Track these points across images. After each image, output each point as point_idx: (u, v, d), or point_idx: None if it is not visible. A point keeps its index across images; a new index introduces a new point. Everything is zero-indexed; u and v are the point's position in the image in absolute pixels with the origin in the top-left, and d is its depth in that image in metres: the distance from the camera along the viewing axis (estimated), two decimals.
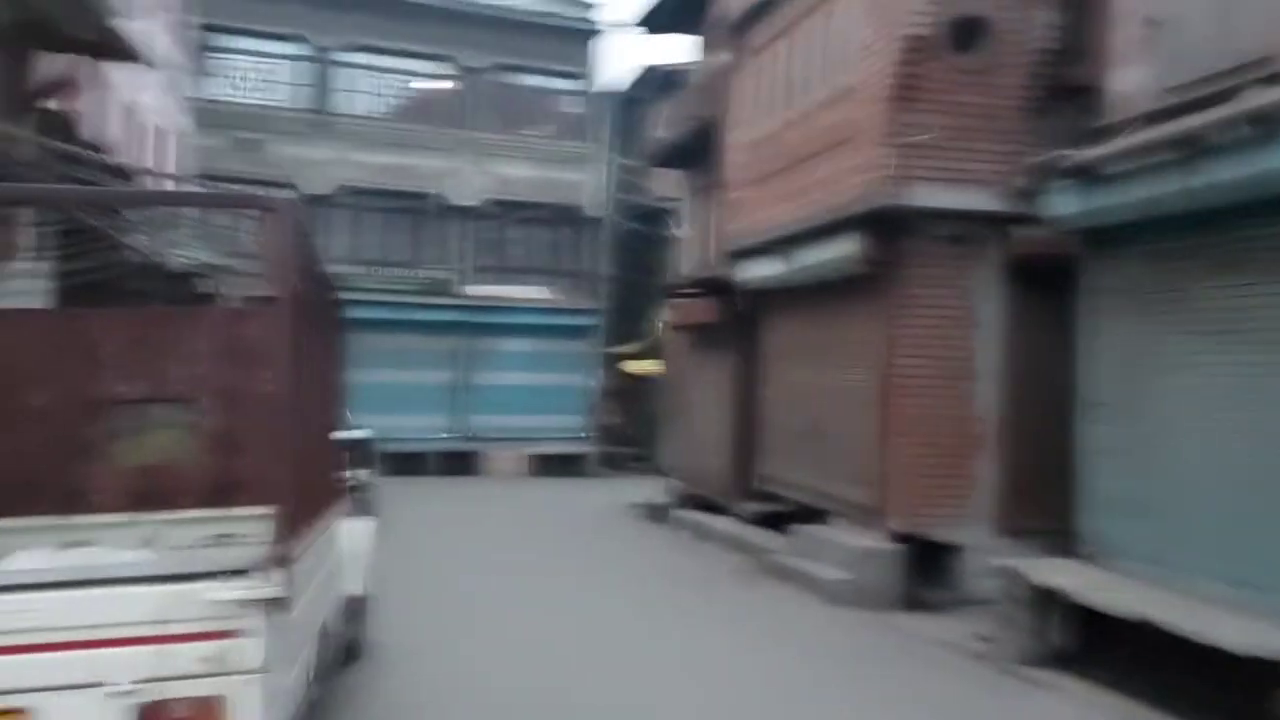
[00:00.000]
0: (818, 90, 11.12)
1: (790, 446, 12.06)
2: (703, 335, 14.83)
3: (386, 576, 10.22)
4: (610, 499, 17.83)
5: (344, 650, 6.28)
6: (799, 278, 11.31)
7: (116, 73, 14.82)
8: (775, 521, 12.40)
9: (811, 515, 11.40)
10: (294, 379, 3.83)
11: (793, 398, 12.06)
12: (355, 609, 6.52)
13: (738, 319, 13.32)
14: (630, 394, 27.88)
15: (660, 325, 18.52)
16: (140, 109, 16.35)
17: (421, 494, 18.06)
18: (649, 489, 17.55)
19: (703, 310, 14.02)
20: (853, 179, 9.94)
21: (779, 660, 7.67)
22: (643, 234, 24.16)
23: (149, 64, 11.21)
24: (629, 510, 16.39)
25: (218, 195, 14.59)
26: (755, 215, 12.41)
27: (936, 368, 9.65)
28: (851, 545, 9.63)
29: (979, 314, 9.73)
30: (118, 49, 9.46)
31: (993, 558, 8.29)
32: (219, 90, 21.29)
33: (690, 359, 15.41)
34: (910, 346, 9.67)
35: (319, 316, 4.90)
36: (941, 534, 9.53)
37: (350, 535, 6.57)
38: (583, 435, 23.58)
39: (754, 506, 12.94)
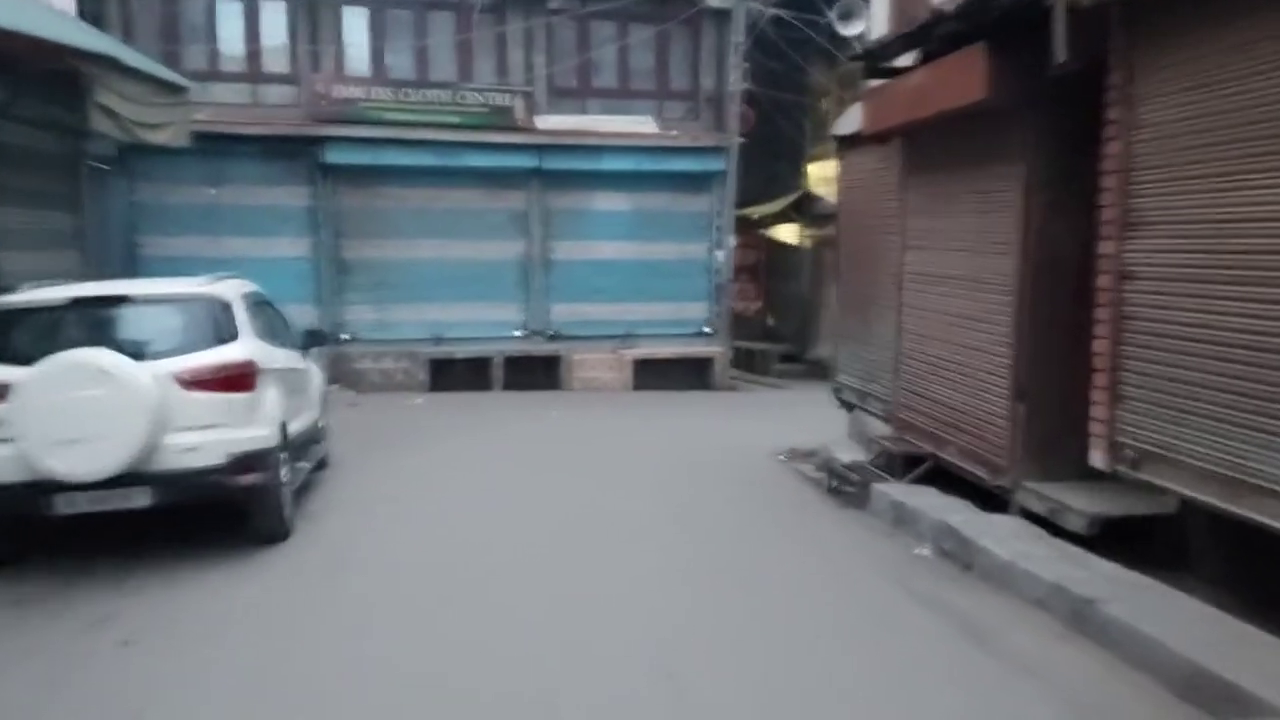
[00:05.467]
0: None
1: (1207, 379, 4.76)
2: (943, 142, 7.42)
3: None
4: (748, 435, 10.96)
5: None
6: None
7: None
8: (1154, 547, 5.26)
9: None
10: None
11: (1231, 262, 4.70)
12: None
13: (1045, 89, 5.91)
14: (778, 271, 20.81)
15: (831, 151, 11.06)
16: None
17: (446, 425, 11.58)
18: (813, 418, 10.61)
19: (958, 81, 6.56)
20: None
21: None
22: (795, 32, 16.46)
23: None
24: (782, 465, 9.45)
25: None
26: None
27: None
28: None
29: None
30: None
31: None
32: None
33: (905, 196, 8.06)
34: None
35: None
36: None
37: None
38: (707, 330, 16.57)
39: (1089, 506, 5.77)
